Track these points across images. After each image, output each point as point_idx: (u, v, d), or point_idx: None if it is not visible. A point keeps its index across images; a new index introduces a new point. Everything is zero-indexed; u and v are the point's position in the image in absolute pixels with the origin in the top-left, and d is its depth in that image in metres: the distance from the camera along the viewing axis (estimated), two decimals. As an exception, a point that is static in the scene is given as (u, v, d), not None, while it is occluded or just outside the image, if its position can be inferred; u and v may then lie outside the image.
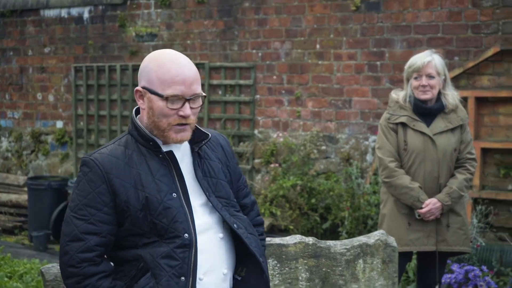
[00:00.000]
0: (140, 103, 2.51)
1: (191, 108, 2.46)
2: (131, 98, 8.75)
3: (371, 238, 3.91)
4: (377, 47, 7.22)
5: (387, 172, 4.45)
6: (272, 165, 7.67)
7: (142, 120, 2.53)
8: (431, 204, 4.36)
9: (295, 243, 3.69)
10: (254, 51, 7.95)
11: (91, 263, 2.40)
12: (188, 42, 8.35)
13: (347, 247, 3.81)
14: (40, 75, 9.57)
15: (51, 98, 9.52)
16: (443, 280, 4.75)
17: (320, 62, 7.54)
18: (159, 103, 2.44)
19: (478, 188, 6.50)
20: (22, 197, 8.96)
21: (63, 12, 9.30)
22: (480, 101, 6.61)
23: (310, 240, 3.74)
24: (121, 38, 8.77)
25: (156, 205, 2.42)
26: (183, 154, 2.56)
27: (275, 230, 7.32)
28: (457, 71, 6.67)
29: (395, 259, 3.94)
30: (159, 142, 2.51)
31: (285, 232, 7.28)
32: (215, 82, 8.18)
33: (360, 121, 7.36)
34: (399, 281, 4.58)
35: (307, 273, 3.67)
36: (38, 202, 8.23)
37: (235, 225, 2.54)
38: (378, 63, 7.20)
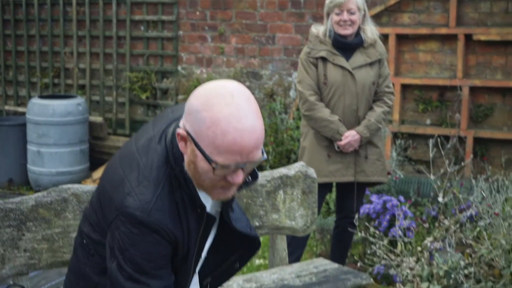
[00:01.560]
0: (181, 145, 2.05)
1: (243, 172, 2.05)
2: (50, 34, 8.51)
3: (291, 169, 3.97)
4: (301, -17, 7.20)
5: (307, 106, 4.51)
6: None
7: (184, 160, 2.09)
8: (350, 136, 4.45)
9: (216, 175, 3.71)
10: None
11: None
12: (109, -25, 8.13)
13: (268, 178, 3.85)
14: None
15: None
16: (362, 211, 4.88)
17: (243, -2, 7.48)
18: (203, 164, 2.00)
19: (398, 123, 6.66)
20: None
21: None
22: (401, 38, 6.70)
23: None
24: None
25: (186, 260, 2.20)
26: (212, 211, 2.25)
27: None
28: (378, 8, 6.73)
29: (315, 189, 4.02)
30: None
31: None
32: (137, 17, 8.02)
33: (283, 57, 7.37)
34: (319, 212, 4.69)
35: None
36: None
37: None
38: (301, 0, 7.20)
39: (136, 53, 8.08)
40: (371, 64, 4.54)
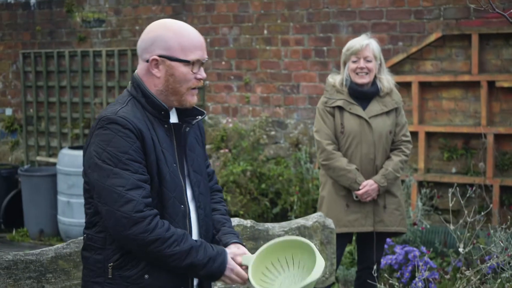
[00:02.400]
0: (155, 71, 2.53)
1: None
2: (81, 85, 8.69)
3: (309, 220, 3.99)
4: (324, 32, 7.29)
5: (325, 155, 4.54)
6: (222, 151, 7.70)
7: (151, 87, 2.55)
8: (367, 186, 4.46)
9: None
10: (202, 36, 7.92)
11: (151, 208, 2.43)
12: (137, 28, 8.31)
13: (285, 229, 3.87)
14: (-12, 61, 9.44)
15: (0, 85, 9.41)
16: (384, 261, 4.85)
17: (268, 48, 7.59)
18: (182, 69, 2.51)
19: (423, 171, 6.63)
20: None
21: (10, -2, 9.19)
22: (424, 86, 6.73)
23: (248, 222, 3.80)
24: (69, 23, 8.69)
25: (165, 173, 2.49)
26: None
27: (225, 215, 7.36)
28: (401, 56, 6.77)
29: (333, 240, 4.02)
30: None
31: (236, 217, 7.32)
32: (164, 68, 8.15)
33: (308, 106, 7.43)
34: (339, 262, 4.67)
35: (246, 256, 3.72)
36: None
37: (198, 203, 2.64)
38: (324, 48, 7.28)
39: (164, 103, 8.19)
40: (387, 112, 4.57)
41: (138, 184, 2.40)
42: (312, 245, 2.55)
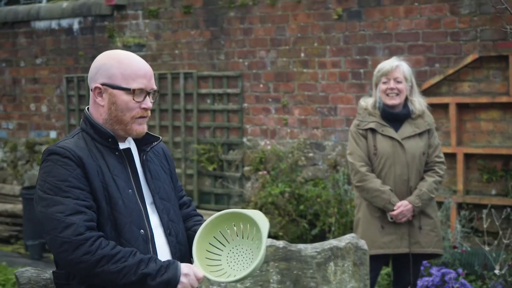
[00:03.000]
0: (99, 100, 2.56)
1: (150, 99, 2.60)
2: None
3: (342, 241, 4.01)
4: (360, 55, 7.33)
5: (359, 177, 4.57)
6: (260, 173, 7.77)
7: (98, 117, 2.58)
8: (402, 206, 4.47)
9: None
10: (240, 60, 8.07)
11: (95, 231, 2.42)
12: (176, 52, 8.47)
13: (318, 250, 3.90)
14: (33, 86, 9.70)
15: (44, 108, 9.64)
16: (420, 283, 4.84)
17: (305, 70, 7.65)
18: (123, 97, 2.52)
19: (462, 193, 6.59)
20: (18, 207, 9.06)
21: (54, 24, 9.43)
22: (462, 107, 6.71)
23: (280, 243, 3.84)
24: (110, 48, 8.86)
25: (117, 199, 2.48)
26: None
27: (263, 237, 7.40)
28: (437, 78, 6.77)
29: (366, 262, 4.03)
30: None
31: (275, 239, 7.36)
32: (203, 91, 8.30)
33: (345, 128, 7.45)
34: (373, 284, 4.67)
35: (279, 276, 3.77)
36: (33, 211, 8.24)
37: (168, 230, 2.62)
38: (361, 70, 7.32)
39: (203, 126, 8.32)
40: (420, 134, 4.60)
41: (79, 209, 2.40)
42: (252, 214, 2.59)
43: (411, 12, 7.01)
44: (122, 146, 2.61)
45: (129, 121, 2.55)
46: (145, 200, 2.59)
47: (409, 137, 4.57)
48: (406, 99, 4.62)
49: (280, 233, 7.29)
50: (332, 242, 3.99)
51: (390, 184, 4.54)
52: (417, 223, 4.55)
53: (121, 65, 2.54)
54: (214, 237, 2.60)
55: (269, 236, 7.25)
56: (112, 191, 2.48)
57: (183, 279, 2.45)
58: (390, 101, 4.56)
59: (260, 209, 7.54)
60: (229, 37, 8.10)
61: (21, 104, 9.86)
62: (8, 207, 9.15)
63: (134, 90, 2.52)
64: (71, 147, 2.49)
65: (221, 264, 2.59)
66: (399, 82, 4.56)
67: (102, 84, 2.55)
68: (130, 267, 2.39)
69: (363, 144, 4.60)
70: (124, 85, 2.52)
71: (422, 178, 4.59)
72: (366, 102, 4.70)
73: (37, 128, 9.73)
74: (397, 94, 4.56)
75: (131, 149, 2.63)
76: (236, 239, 2.62)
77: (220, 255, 2.59)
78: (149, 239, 2.54)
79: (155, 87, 2.60)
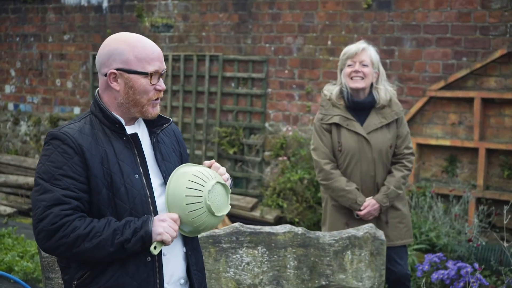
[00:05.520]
0: (114, 85, 2.57)
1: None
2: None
3: (360, 230, 4.02)
4: (387, 45, 7.31)
5: (323, 175, 4.40)
6: (280, 158, 7.79)
7: (108, 102, 2.61)
8: (369, 206, 4.34)
9: (284, 232, 3.81)
10: (267, 45, 8.07)
11: (70, 215, 2.44)
12: (203, 34, 8.49)
13: (336, 238, 3.92)
14: (60, 61, 9.77)
15: (69, 84, 9.72)
16: (436, 276, 4.83)
17: (331, 58, 7.64)
18: (141, 81, 2.55)
19: (482, 188, 6.57)
20: (38, 181, 9.14)
21: (83, 1, 9.49)
22: (487, 102, 6.67)
23: (299, 230, 3.86)
24: (138, 28, 8.94)
25: (119, 185, 2.51)
26: (142, 137, 2.66)
27: (282, 222, 7.44)
28: (464, 72, 6.74)
29: (383, 252, 4.05)
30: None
31: (291, 224, 7.39)
32: (228, 74, 8.32)
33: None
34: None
35: (295, 262, 3.80)
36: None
37: None
38: (387, 61, 7.29)
39: (226, 109, 8.35)
40: (387, 125, 4.39)
41: (63, 200, 2.43)
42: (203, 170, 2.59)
43: (441, 4, 6.96)
44: (130, 130, 2.63)
45: (145, 103, 2.58)
46: (154, 183, 2.61)
47: (375, 130, 4.36)
48: (372, 86, 4.40)
49: (296, 219, 7.31)
50: (350, 231, 4.01)
51: (356, 181, 4.38)
52: (384, 217, 4.43)
53: (135, 49, 2.56)
54: (189, 180, 2.59)
55: (286, 222, 7.33)
56: (115, 178, 2.52)
57: (158, 227, 2.48)
58: (354, 84, 4.32)
59: (278, 195, 7.57)
60: (257, 22, 8.10)
61: (47, 79, 9.94)
62: (30, 180, 9.25)
63: (151, 73, 2.56)
64: (74, 133, 2.52)
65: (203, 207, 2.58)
66: (365, 65, 4.33)
67: (117, 69, 2.56)
68: (106, 240, 2.43)
69: (327, 140, 4.41)
70: (140, 69, 2.55)
71: (389, 172, 4.43)
72: (330, 91, 4.47)
73: (61, 104, 9.81)
74: (362, 78, 4.33)
75: (140, 132, 2.66)
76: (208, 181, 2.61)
77: (201, 196, 2.58)
78: None
79: (165, 67, 2.64)
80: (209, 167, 2.67)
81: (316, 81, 7.76)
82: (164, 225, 2.49)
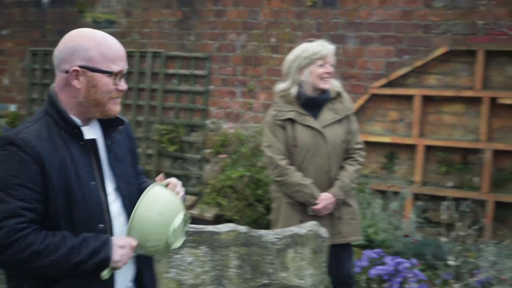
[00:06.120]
0: (75, 82, 2.44)
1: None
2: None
3: (303, 228, 4.01)
4: (332, 42, 7.29)
5: (278, 171, 4.38)
6: (221, 156, 7.73)
7: (65, 100, 2.48)
8: (326, 200, 4.33)
9: (227, 231, 3.78)
10: (210, 42, 8.01)
11: (25, 228, 2.33)
12: (146, 30, 8.38)
13: (279, 236, 3.90)
14: (-3, 57, 9.53)
15: (6, 81, 9.47)
16: (374, 272, 4.85)
17: (274, 56, 7.62)
18: (105, 80, 2.44)
19: (419, 184, 6.65)
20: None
21: (21, -5, 9.28)
22: (427, 100, 6.75)
23: (242, 228, 3.83)
24: (79, 23, 8.76)
25: (76, 193, 2.42)
26: (96, 137, 2.56)
27: (221, 221, 7.38)
28: (405, 69, 6.81)
29: (325, 249, 4.04)
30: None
31: (231, 223, 7.33)
32: (170, 71, 8.23)
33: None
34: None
35: (238, 261, 3.76)
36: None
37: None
38: (330, 58, 7.29)
39: (168, 106, 8.25)
40: (340, 121, 4.43)
41: (18, 212, 2.32)
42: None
43: (385, 2, 7.02)
44: (87, 132, 2.52)
45: (106, 103, 2.48)
46: (108, 187, 2.54)
47: (329, 125, 4.38)
48: None
49: (236, 217, 7.26)
50: (293, 229, 3.99)
51: (311, 176, 4.37)
52: (337, 213, 4.42)
53: (100, 47, 2.45)
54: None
55: (226, 220, 7.28)
56: (73, 186, 2.41)
57: (116, 254, 2.41)
58: (325, 85, 4.35)
59: (218, 193, 7.51)
60: (201, 18, 8.03)
61: (-16, 75, 9.68)
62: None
63: (116, 73, 2.46)
64: (32, 139, 2.38)
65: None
66: (332, 65, 4.40)
67: (81, 67, 2.43)
68: (61, 258, 2.34)
69: (282, 136, 4.39)
70: (105, 68, 2.44)
71: (342, 167, 4.44)
72: (283, 88, 4.47)
73: (-1, 100, 9.56)
74: (329, 78, 4.38)
75: (95, 134, 2.56)
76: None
77: (165, 235, 2.53)
78: (108, 232, 2.48)
79: (127, 67, 2.55)
80: (166, 185, 2.60)
81: (259, 78, 7.74)
82: (122, 252, 2.42)
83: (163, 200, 2.52)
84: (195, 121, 8.11)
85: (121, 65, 2.48)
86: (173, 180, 2.64)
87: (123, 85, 2.51)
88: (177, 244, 2.55)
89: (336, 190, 4.36)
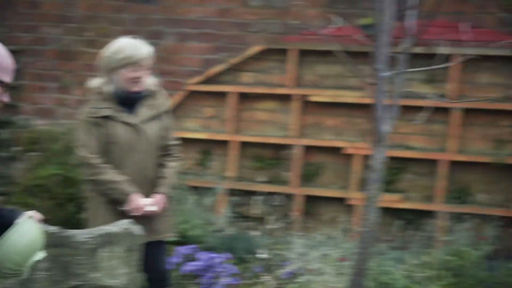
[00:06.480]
0: None
1: None
2: None
3: (116, 227, 3.97)
4: (149, 38, 7.21)
5: (91, 170, 4.28)
6: (32, 154, 7.45)
7: None
8: (158, 198, 4.31)
9: (37, 232, 3.66)
10: (24, 34, 7.70)
11: None
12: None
13: (92, 236, 3.83)
14: None
15: None
16: (186, 268, 4.88)
17: (91, 50, 7.47)
18: None
19: (234, 180, 6.83)
20: None
21: None
22: (242, 97, 6.93)
23: (53, 229, 3.72)
24: None
25: None
26: None
27: (33, 221, 7.14)
28: (221, 66, 6.94)
29: (138, 247, 4.03)
30: None
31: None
32: (-20, 63, 7.80)
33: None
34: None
35: (48, 263, 3.65)
36: None
37: None
38: (148, 54, 7.27)
39: (-23, 101, 7.83)
40: (156, 117, 4.37)
41: None
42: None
43: (204, 0, 7.10)
44: None
45: None
46: None
47: (147, 121, 4.32)
48: None
49: (47, 217, 7.02)
50: (106, 228, 3.94)
51: (128, 173, 4.27)
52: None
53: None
54: None
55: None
56: None
57: None
58: (134, 89, 4.24)
59: (29, 192, 7.24)
60: (14, 10, 7.69)
61: None
62: None
63: (6, 84, 2.43)
64: None
65: None
66: (149, 68, 4.25)
67: None
68: None
69: (97, 134, 4.26)
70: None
71: (162, 164, 4.41)
72: (98, 85, 4.32)
73: None
74: (141, 82, 4.25)
75: None
76: None
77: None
78: None
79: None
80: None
81: (74, 73, 7.55)
82: None
83: (30, 238, 2.56)
84: (4, 118, 7.73)
85: (10, 78, 2.47)
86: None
87: (7, 97, 2.48)
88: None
89: (165, 189, 4.33)
